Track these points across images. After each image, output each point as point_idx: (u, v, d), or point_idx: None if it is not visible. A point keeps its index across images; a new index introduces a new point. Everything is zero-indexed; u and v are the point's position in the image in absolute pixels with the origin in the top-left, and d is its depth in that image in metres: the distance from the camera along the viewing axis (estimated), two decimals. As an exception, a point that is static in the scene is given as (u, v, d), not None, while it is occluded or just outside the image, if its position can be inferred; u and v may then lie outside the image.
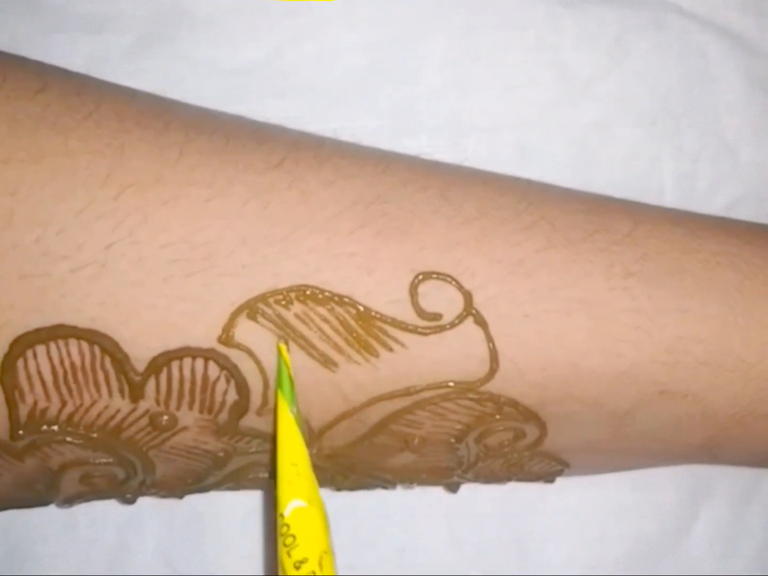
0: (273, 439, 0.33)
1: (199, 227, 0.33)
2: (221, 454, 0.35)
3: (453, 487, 0.41)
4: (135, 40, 0.45)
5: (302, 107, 0.45)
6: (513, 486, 0.44)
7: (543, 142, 0.46)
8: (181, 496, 0.39)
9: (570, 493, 0.45)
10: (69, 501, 0.38)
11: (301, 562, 0.29)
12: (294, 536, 0.29)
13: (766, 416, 0.37)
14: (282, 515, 0.30)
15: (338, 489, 0.40)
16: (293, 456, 0.31)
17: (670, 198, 0.46)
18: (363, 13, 0.45)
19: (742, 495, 0.46)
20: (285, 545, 0.29)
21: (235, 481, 0.37)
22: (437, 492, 0.44)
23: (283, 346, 0.33)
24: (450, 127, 0.45)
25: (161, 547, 0.44)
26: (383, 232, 0.34)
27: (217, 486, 0.38)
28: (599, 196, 0.38)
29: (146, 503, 0.44)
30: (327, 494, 0.44)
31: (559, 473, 0.39)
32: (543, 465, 0.38)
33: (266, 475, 0.37)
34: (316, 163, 0.35)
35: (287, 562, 0.29)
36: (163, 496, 0.39)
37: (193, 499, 0.43)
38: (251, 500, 0.44)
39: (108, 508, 0.44)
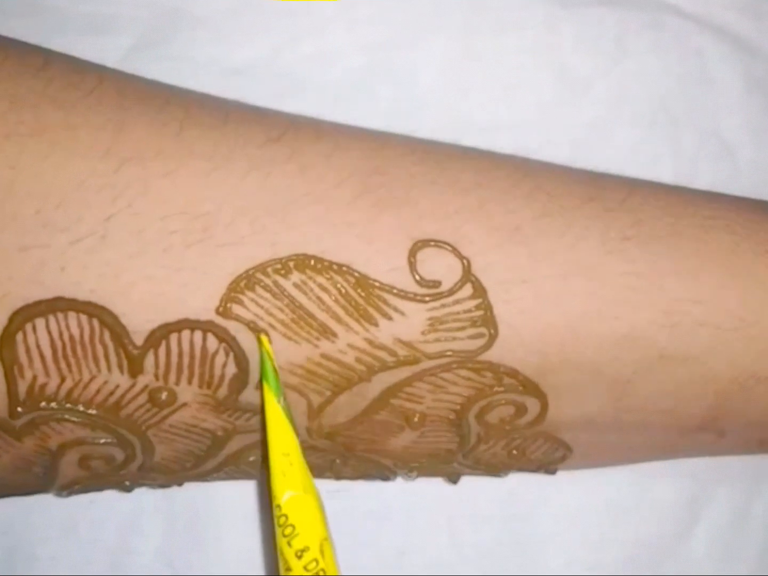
0: (262, 430, 0.33)
1: (198, 199, 0.33)
2: (220, 433, 0.35)
3: (453, 478, 0.40)
4: (134, 42, 0.45)
5: (301, 107, 0.44)
6: (513, 488, 0.44)
7: (542, 142, 0.46)
8: (180, 483, 0.39)
9: (570, 495, 0.45)
10: (67, 487, 0.37)
11: (303, 550, 0.29)
12: (293, 526, 0.30)
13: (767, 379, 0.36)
14: (279, 506, 0.30)
15: (338, 477, 0.39)
16: (284, 446, 0.31)
17: (669, 198, 0.46)
18: (362, 13, 0.46)
19: (743, 498, 0.45)
20: (284, 536, 0.30)
21: (235, 464, 0.37)
22: (438, 493, 0.44)
23: (264, 337, 0.33)
24: (449, 128, 0.45)
25: (162, 548, 0.44)
26: (381, 202, 0.34)
27: (218, 470, 0.37)
28: (594, 171, 0.38)
29: (147, 503, 0.44)
30: (327, 496, 0.44)
31: (561, 460, 0.39)
32: (544, 450, 0.38)
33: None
34: (315, 137, 0.35)
35: (288, 552, 0.29)
36: (162, 485, 0.39)
37: (193, 500, 0.44)
38: (251, 500, 0.44)
39: (108, 509, 0.44)
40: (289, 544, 0.29)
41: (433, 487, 0.44)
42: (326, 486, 0.43)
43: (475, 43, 0.46)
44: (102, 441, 0.35)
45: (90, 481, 0.37)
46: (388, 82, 0.46)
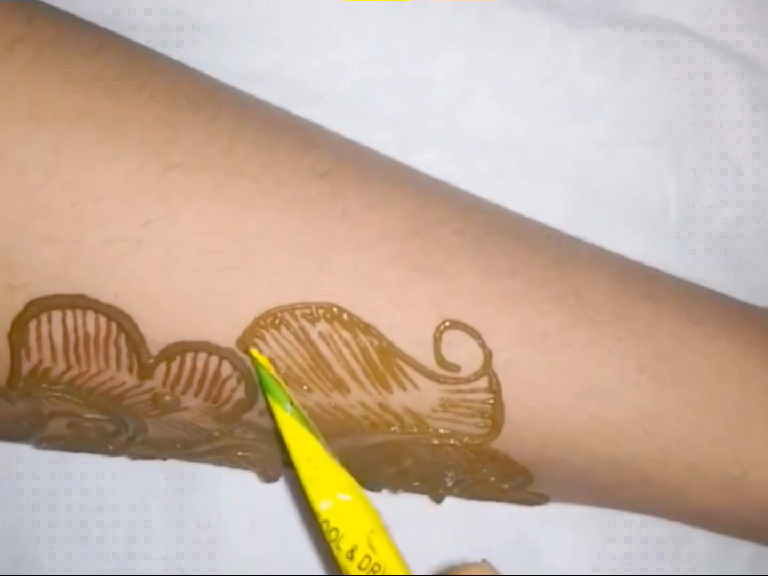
0: (280, 440, 0.32)
1: (241, 222, 0.32)
2: (216, 433, 0.35)
3: (438, 499, 0.41)
4: None
5: (309, 118, 0.43)
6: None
7: (548, 160, 0.45)
8: (165, 458, 0.39)
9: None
10: (51, 440, 0.37)
11: (352, 551, 0.30)
12: (336, 529, 0.30)
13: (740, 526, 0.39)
14: (319, 513, 0.30)
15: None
16: (306, 452, 0.31)
17: (674, 216, 0.46)
18: (370, 25, 0.44)
19: None
20: (332, 540, 0.30)
21: (225, 456, 0.37)
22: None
23: (254, 351, 0.33)
24: (456, 143, 0.45)
25: (170, 553, 0.43)
26: (417, 267, 0.34)
27: (204, 457, 0.38)
28: (625, 263, 0.39)
29: (155, 509, 0.44)
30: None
31: (538, 504, 0.40)
32: (521, 497, 0.39)
33: (258, 455, 0.37)
34: (359, 182, 0.34)
35: (340, 556, 0.30)
36: (147, 456, 0.39)
37: (202, 506, 0.44)
38: (260, 506, 0.44)
39: (116, 515, 0.44)
40: (338, 547, 0.30)
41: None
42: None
43: (482, 58, 0.45)
44: (96, 417, 0.35)
45: (76, 440, 0.37)
46: (394, 95, 0.44)
